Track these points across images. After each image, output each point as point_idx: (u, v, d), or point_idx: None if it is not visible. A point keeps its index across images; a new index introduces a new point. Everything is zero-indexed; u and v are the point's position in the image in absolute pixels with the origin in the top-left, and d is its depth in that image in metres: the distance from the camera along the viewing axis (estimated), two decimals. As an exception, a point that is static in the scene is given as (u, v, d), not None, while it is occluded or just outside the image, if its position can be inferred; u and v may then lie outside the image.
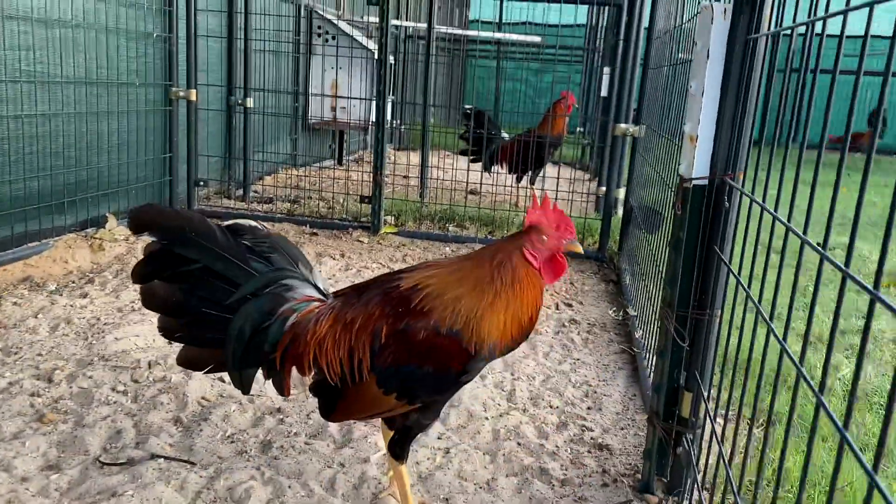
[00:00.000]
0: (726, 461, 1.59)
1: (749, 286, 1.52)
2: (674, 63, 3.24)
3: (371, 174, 5.28)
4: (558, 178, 5.68)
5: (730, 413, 1.67)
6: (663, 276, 2.15)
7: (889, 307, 0.92)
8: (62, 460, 2.12)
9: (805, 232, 1.20)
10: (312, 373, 1.85)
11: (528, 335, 1.77)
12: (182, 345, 1.92)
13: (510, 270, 1.70)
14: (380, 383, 1.71)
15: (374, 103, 5.46)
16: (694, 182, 1.88)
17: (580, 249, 1.78)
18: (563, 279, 4.50)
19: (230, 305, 1.82)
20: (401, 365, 1.68)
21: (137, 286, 1.87)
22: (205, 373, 1.91)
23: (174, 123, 5.18)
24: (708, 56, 1.78)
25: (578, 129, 10.78)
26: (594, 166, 8.34)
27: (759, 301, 1.44)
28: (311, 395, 1.91)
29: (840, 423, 1.00)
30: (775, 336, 1.32)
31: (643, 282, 3.58)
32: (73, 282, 3.71)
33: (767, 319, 1.38)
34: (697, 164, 1.87)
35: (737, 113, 1.79)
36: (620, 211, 5.39)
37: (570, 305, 4.06)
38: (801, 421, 2.64)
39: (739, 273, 1.62)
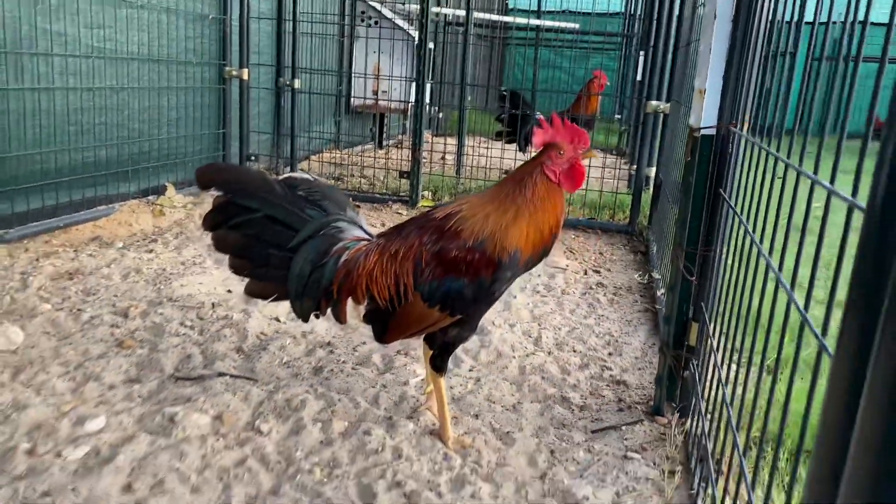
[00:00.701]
0: (723, 381, 1.82)
1: (762, 238, 1.73)
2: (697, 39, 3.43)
3: (410, 154, 5.55)
4: (590, 165, 5.88)
5: (742, 358, 1.87)
6: (674, 219, 2.36)
7: (837, 194, 1.14)
8: (142, 375, 2.43)
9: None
10: (365, 301, 2.12)
11: (549, 248, 2.01)
12: (248, 279, 2.21)
13: (532, 187, 1.95)
14: (424, 299, 1.97)
15: (413, 84, 5.73)
16: (702, 131, 2.10)
17: (596, 155, 2.00)
18: (594, 251, 4.72)
19: (291, 247, 2.11)
20: (441, 279, 1.94)
21: (210, 233, 2.16)
22: (268, 302, 2.20)
23: (228, 101, 5.52)
24: (715, 16, 2.00)
25: (616, 116, 10.91)
26: (629, 151, 8.50)
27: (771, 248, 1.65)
28: (364, 322, 2.18)
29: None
30: (772, 269, 1.53)
31: (669, 248, 3.77)
32: (138, 241, 4.06)
33: (766, 255, 1.60)
34: (706, 115, 2.09)
35: (741, 67, 2.00)
36: (651, 188, 5.57)
37: (598, 272, 4.27)
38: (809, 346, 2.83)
39: (741, 213, 1.84)
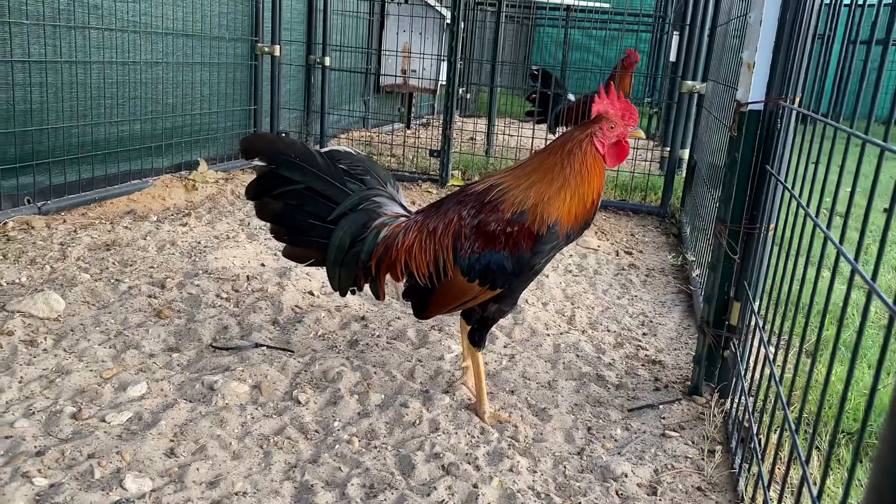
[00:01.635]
0: (770, 359, 1.78)
1: (817, 213, 1.68)
2: (742, 15, 3.35)
3: (441, 132, 5.51)
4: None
5: (792, 337, 1.83)
6: (718, 196, 2.32)
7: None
8: (180, 344, 2.46)
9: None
10: (405, 279, 2.12)
11: (591, 220, 1.98)
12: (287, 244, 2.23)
13: (579, 157, 1.92)
14: (464, 273, 1.96)
15: (445, 63, 5.70)
16: (750, 106, 2.05)
17: (642, 135, 1.97)
18: (625, 232, 4.67)
19: (331, 219, 2.11)
20: (480, 253, 1.93)
21: (252, 201, 2.18)
22: (305, 265, 2.22)
23: (259, 77, 5.53)
24: (767, -13, 1.94)
25: (647, 99, 10.76)
26: (660, 134, 8.39)
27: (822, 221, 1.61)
28: (404, 299, 2.18)
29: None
30: (832, 241, 1.49)
31: (704, 231, 3.72)
32: (172, 215, 4.09)
33: (823, 228, 1.56)
34: (754, 89, 2.04)
35: (792, 40, 1.94)
36: (684, 171, 5.49)
37: (630, 253, 4.23)
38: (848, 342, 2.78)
39: (794, 189, 1.79)
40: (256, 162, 2.14)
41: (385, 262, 2.12)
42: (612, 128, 1.93)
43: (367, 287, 2.22)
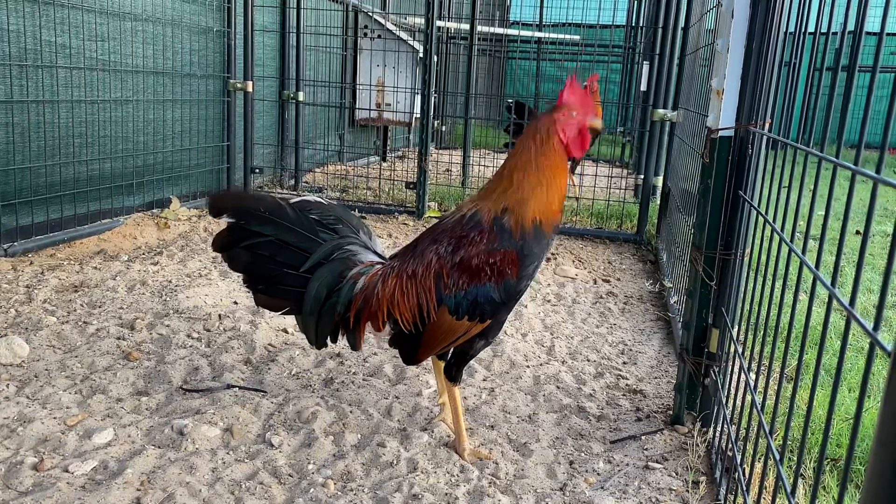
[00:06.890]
0: (752, 386, 1.76)
1: (792, 238, 1.67)
2: (707, 45, 3.40)
3: (416, 164, 5.51)
4: (596, 175, 5.91)
5: (772, 364, 1.81)
6: (693, 222, 2.32)
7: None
8: (150, 387, 2.38)
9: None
10: (387, 328, 2.06)
11: (561, 217, 1.98)
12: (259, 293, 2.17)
13: (548, 148, 1.92)
14: (452, 311, 1.92)
15: (419, 96, 5.73)
16: (721, 133, 2.06)
17: (599, 126, 1.96)
18: (602, 260, 4.67)
19: (305, 270, 2.06)
20: (467, 289, 1.90)
21: (220, 253, 2.12)
22: (280, 314, 2.16)
23: (232, 113, 5.50)
24: (732, 15, 1.96)
25: (619, 128, 10.90)
26: (633, 162, 8.48)
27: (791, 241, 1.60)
28: (391, 347, 2.12)
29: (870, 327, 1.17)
30: (807, 265, 1.48)
31: (680, 257, 3.72)
32: (143, 254, 4.02)
33: (799, 253, 1.55)
34: (724, 115, 2.05)
35: (759, 67, 1.96)
36: (658, 198, 5.53)
37: (607, 281, 4.22)
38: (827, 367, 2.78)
39: (768, 214, 1.79)
40: (225, 219, 2.08)
41: (365, 314, 2.06)
42: (572, 115, 1.93)
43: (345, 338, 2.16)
